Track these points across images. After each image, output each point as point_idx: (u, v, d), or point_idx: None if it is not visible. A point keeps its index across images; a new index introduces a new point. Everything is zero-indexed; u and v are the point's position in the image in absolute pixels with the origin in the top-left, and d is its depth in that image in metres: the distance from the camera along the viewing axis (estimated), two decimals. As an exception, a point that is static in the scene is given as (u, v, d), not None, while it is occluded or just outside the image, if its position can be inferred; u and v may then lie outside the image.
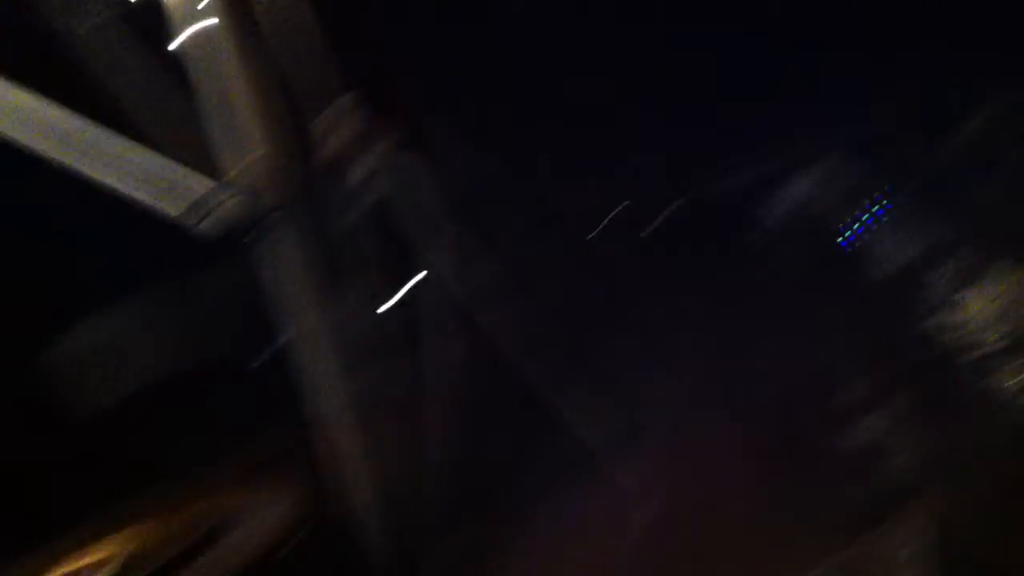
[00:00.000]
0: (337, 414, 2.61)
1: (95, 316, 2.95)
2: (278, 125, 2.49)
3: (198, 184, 2.39)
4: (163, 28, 2.59)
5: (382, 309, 2.69)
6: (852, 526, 2.27)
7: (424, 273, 2.73)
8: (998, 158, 2.89)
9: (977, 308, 2.58)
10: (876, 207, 2.97)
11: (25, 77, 2.52)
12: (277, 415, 2.70)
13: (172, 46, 2.55)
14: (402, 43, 2.87)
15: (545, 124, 3.08)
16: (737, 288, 2.93)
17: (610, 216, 3.10)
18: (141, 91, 2.63)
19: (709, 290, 2.96)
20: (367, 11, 2.79)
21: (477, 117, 3.02)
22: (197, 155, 2.44)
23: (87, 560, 2.48)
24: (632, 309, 2.98)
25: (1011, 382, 2.55)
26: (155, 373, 2.94)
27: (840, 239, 2.96)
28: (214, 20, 2.48)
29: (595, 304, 3.02)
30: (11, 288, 2.90)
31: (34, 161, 2.42)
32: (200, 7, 2.50)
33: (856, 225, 2.94)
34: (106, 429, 2.91)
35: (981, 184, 2.88)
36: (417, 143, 2.76)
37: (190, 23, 2.49)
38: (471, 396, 2.72)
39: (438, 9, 3.04)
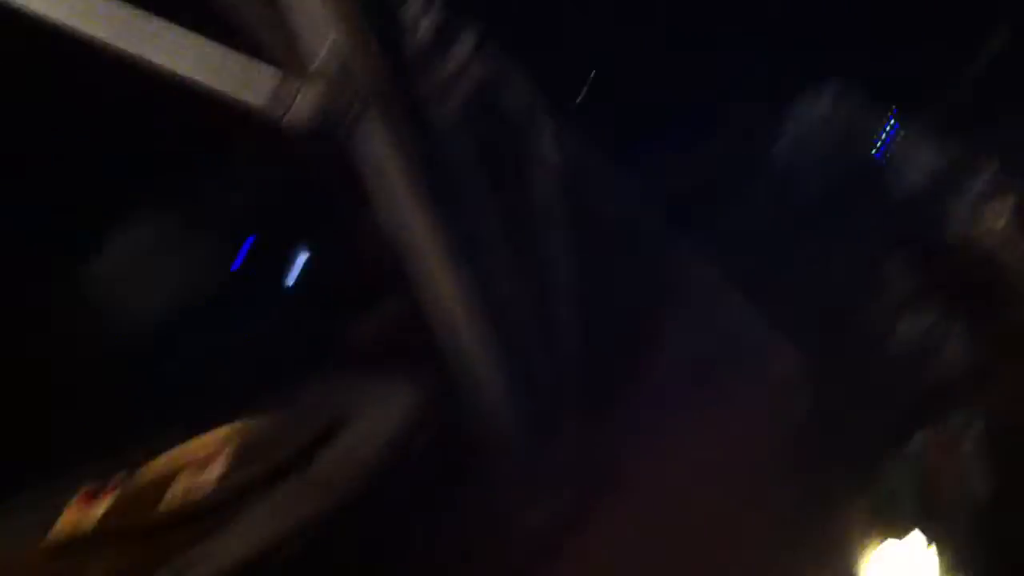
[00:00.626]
0: (455, 309, 2.48)
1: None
2: (360, 10, 2.33)
3: (273, 74, 2.26)
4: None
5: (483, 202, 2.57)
6: (909, 425, 2.28)
7: (524, 166, 2.60)
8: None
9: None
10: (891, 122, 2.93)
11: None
12: (393, 308, 2.64)
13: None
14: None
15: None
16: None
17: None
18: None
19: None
20: None
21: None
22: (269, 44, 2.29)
23: (199, 452, 2.47)
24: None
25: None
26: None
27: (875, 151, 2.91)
28: None
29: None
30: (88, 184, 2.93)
31: (95, 53, 2.30)
32: None
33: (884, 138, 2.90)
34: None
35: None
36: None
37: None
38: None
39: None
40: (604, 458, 2.45)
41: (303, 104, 2.26)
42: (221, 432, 2.47)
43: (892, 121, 2.82)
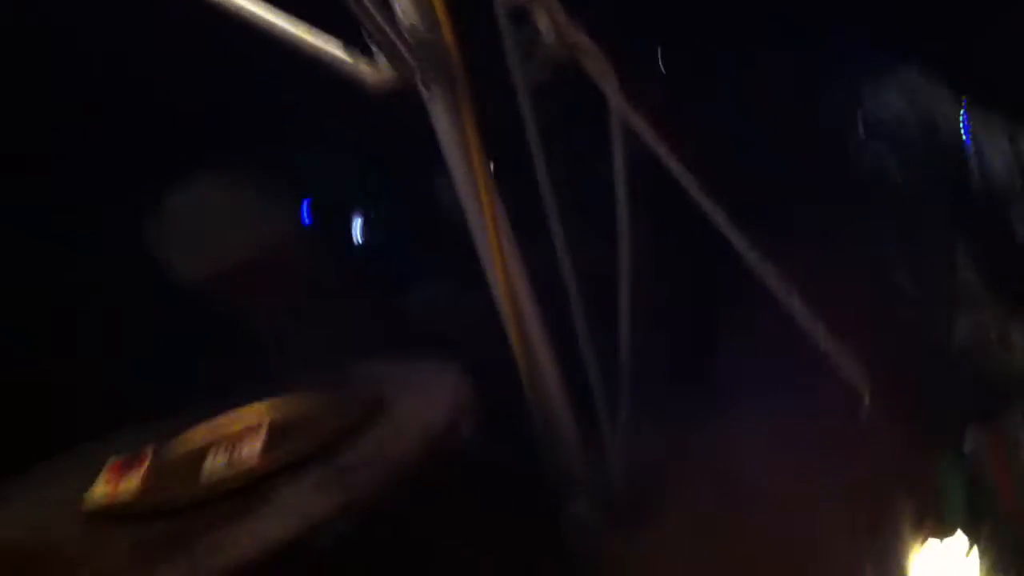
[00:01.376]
0: (516, 288, 2.40)
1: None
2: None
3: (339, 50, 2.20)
4: None
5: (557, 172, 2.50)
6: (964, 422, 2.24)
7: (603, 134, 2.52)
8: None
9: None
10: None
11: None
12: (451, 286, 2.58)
13: None
14: None
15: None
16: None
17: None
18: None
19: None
20: None
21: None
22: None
23: (238, 426, 2.43)
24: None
25: None
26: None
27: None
28: None
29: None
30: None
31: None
32: None
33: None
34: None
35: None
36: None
37: None
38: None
39: None
40: (677, 447, 2.40)
41: (381, 67, 2.20)
42: (261, 406, 2.44)
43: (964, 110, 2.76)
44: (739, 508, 2.15)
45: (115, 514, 2.11)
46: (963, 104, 2.79)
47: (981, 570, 2.21)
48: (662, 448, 2.46)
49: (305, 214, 3.22)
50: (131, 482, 2.23)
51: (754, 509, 2.12)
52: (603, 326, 2.57)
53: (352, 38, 2.21)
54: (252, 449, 2.22)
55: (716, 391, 2.62)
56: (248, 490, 2.07)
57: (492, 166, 2.34)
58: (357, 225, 3.28)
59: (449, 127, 2.32)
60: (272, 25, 2.26)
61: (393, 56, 2.22)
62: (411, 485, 2.05)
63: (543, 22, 2.37)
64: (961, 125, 2.76)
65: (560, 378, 2.38)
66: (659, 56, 3.31)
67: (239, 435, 2.33)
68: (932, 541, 2.24)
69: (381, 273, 3.08)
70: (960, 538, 2.25)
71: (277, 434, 2.29)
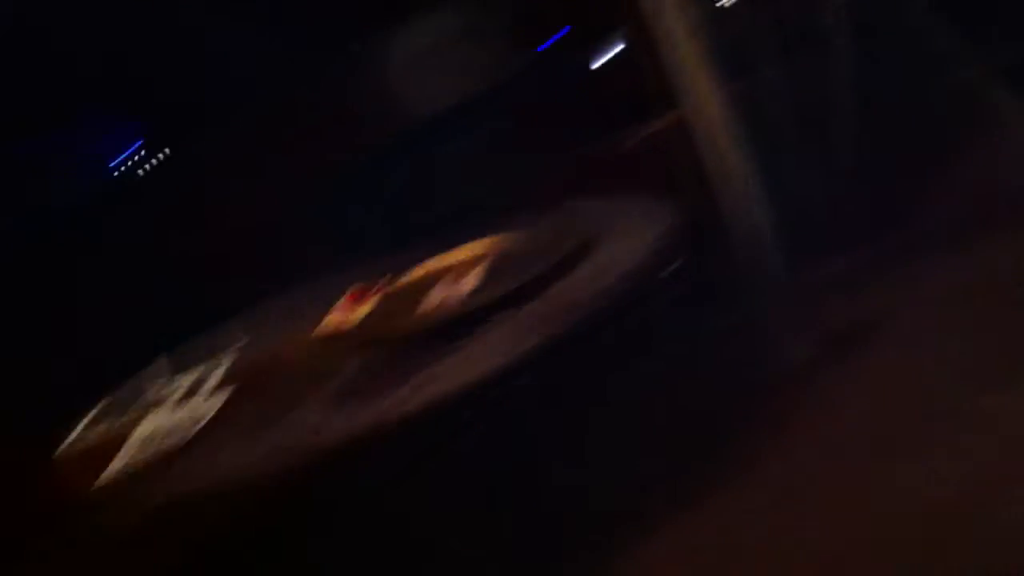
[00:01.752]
0: (720, 130, 2.34)
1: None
2: None
3: None
4: None
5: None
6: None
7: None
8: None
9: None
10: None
11: None
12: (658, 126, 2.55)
13: None
14: None
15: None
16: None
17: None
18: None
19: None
20: None
21: None
22: None
23: (457, 264, 2.57)
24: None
25: None
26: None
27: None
28: None
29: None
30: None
31: None
32: None
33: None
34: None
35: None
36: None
37: None
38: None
39: None
40: (868, 298, 2.27)
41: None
42: (478, 245, 2.52)
43: None
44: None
45: (344, 340, 2.28)
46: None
47: None
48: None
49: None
50: (361, 311, 2.40)
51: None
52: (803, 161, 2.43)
53: None
54: (469, 285, 2.31)
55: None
56: (463, 323, 2.17)
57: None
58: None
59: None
60: None
61: None
62: (617, 323, 2.07)
63: None
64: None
65: (766, 218, 2.29)
66: None
67: (459, 271, 2.42)
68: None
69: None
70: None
71: (493, 271, 2.36)
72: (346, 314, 2.41)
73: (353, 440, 1.88)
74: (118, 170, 3.55)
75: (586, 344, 2.03)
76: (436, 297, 2.32)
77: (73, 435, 2.35)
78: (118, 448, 2.14)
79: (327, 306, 2.50)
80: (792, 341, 2.16)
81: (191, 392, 2.27)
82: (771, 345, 2.17)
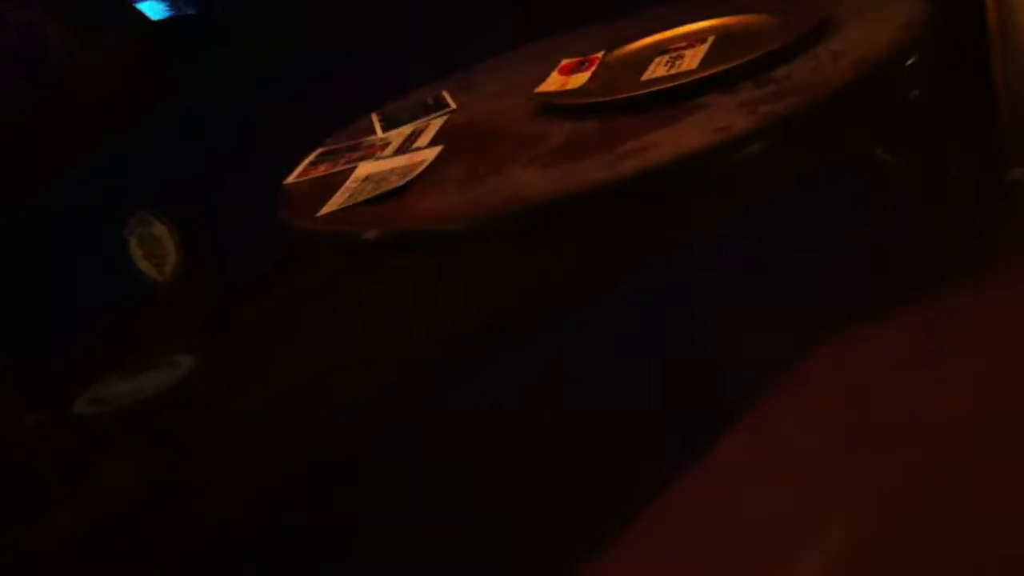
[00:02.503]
0: None
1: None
2: None
3: None
4: None
5: None
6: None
7: None
8: None
9: None
10: None
11: None
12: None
13: None
14: None
15: None
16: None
17: None
18: None
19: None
20: None
21: None
22: None
23: (685, 38, 2.53)
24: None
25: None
26: None
27: None
28: None
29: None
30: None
31: None
32: None
33: None
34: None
35: None
36: None
37: None
38: None
39: None
40: None
41: None
42: (711, 22, 2.43)
43: None
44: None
45: (556, 107, 2.30)
46: None
47: None
48: None
49: None
50: (577, 80, 2.39)
51: None
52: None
53: None
54: (692, 59, 2.25)
55: None
56: (679, 98, 2.13)
57: None
58: None
59: None
60: None
61: None
62: (842, 111, 1.97)
63: None
64: None
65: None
66: None
67: (684, 46, 2.36)
68: None
69: None
70: None
71: (719, 48, 2.29)
72: (558, 84, 2.41)
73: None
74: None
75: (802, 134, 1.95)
76: (654, 71, 2.28)
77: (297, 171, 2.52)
78: (336, 188, 2.27)
79: (540, 73, 2.51)
80: None
81: (402, 148, 2.37)
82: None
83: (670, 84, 2.16)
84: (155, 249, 2.37)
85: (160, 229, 2.38)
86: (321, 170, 2.45)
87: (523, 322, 1.88)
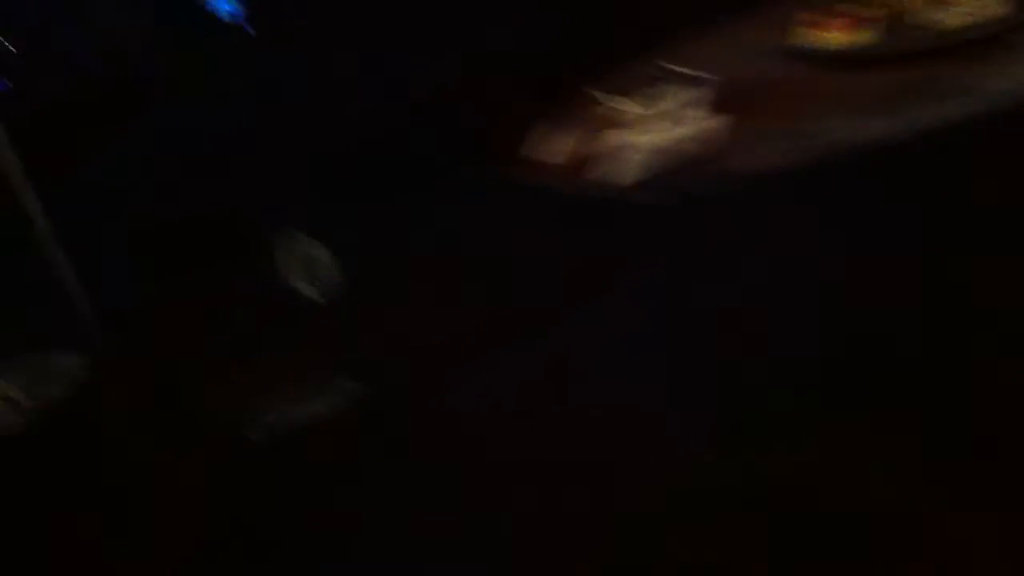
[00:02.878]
0: None
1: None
2: None
3: None
4: None
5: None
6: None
7: None
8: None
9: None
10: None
11: None
12: None
13: None
14: None
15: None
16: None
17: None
18: None
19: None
20: None
21: None
22: None
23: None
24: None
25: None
26: None
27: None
28: None
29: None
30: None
31: None
32: None
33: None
34: None
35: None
36: None
37: None
38: None
39: None
40: None
41: None
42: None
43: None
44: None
45: (850, 60, 2.19)
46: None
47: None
48: None
49: None
50: (861, 35, 2.30)
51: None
52: None
53: None
54: (992, 11, 2.18)
55: None
56: (987, 40, 2.04)
57: None
58: None
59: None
60: None
61: None
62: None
63: None
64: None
65: None
66: None
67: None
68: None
69: None
70: None
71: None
72: (845, 36, 2.32)
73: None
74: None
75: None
76: (953, 15, 2.20)
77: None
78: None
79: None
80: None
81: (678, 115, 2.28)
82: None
83: (977, 30, 2.06)
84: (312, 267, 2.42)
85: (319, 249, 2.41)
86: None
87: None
